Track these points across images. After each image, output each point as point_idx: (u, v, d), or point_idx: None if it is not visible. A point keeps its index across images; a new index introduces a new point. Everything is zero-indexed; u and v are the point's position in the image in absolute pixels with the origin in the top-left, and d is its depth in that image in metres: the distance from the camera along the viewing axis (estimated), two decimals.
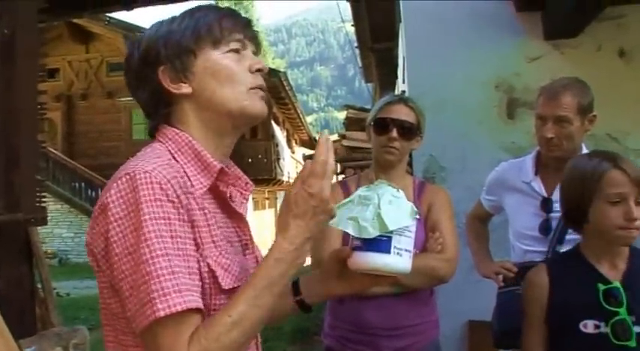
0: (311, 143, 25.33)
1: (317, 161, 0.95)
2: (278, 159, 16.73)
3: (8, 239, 3.17)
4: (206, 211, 1.00)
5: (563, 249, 1.95)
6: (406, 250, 1.02)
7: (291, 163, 20.21)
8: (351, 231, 1.01)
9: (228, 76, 1.04)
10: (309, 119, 34.89)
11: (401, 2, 3.81)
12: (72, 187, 15.02)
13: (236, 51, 1.07)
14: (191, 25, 1.05)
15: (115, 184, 0.94)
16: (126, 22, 15.06)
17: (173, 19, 1.08)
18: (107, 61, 17.23)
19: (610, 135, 3.12)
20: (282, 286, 0.96)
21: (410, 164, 3.30)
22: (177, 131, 1.05)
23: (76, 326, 3.37)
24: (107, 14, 13.01)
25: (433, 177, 3.28)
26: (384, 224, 0.99)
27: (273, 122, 16.72)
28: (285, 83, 16.38)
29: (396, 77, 7.27)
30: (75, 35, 16.57)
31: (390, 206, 1.00)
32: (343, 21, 11.78)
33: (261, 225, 17.31)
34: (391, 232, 0.99)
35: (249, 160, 14.55)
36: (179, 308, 0.87)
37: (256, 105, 1.06)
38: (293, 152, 21.81)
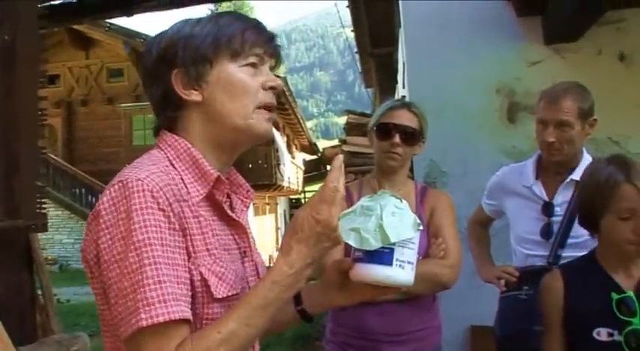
0: (311, 149, 25.35)
1: (327, 187, 0.94)
2: (278, 164, 16.72)
3: (8, 246, 3.16)
4: (201, 219, 1.00)
5: (565, 253, 1.95)
6: (409, 263, 1.00)
7: (291, 168, 20.20)
8: (352, 242, 0.99)
9: (240, 90, 1.03)
10: (309, 124, 34.94)
11: (401, 7, 3.82)
12: (72, 193, 15.02)
13: (253, 65, 1.05)
14: (213, 32, 1.03)
15: (107, 192, 0.94)
16: (126, 28, 15.07)
17: (198, 21, 1.06)
18: (107, 67, 17.27)
19: (611, 139, 3.12)
20: (277, 308, 0.94)
21: (411, 169, 3.30)
22: (177, 138, 1.05)
23: (76, 333, 3.36)
24: (107, 20, 13.07)
25: (434, 182, 3.28)
26: (386, 236, 0.97)
27: (273, 128, 16.72)
28: (285, 89, 16.40)
29: (396, 82, 7.28)
30: (75, 41, 16.59)
31: (393, 218, 0.99)
32: (343, 26, 11.80)
33: (262, 230, 17.29)
34: (393, 244, 0.98)
35: (250, 165, 14.55)
36: (161, 319, 0.86)
37: (262, 125, 1.05)
38: (293, 157, 21.80)
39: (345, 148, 4.95)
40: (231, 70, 1.03)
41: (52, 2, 4.15)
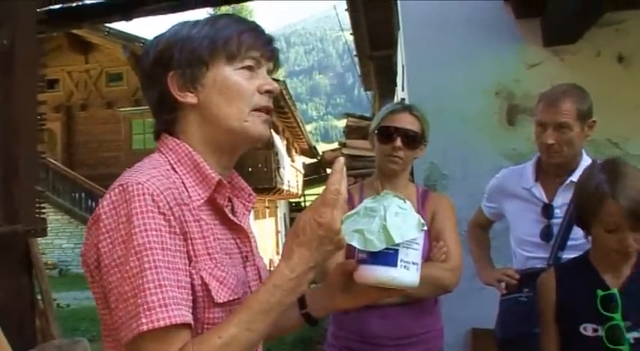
0: (311, 152, 25.35)
1: (329, 190, 0.93)
2: (278, 168, 16.72)
3: (7, 251, 3.16)
4: (202, 222, 0.99)
5: (565, 255, 1.95)
6: (413, 263, 0.99)
7: (291, 171, 20.19)
8: (356, 244, 0.98)
9: (236, 93, 1.03)
10: (308, 128, 34.95)
11: (399, 10, 3.82)
12: (72, 198, 15.01)
13: (249, 68, 1.04)
14: (210, 34, 1.03)
15: (108, 196, 0.94)
16: (125, 33, 15.07)
17: (196, 23, 1.06)
18: (107, 71, 17.27)
19: (610, 140, 3.11)
20: (278, 312, 0.94)
21: (410, 172, 3.30)
22: (178, 142, 1.04)
23: (76, 338, 3.36)
24: (106, 25, 13.07)
25: (434, 185, 3.27)
26: (390, 237, 0.96)
27: (272, 131, 16.74)
28: (284, 92, 16.41)
29: (396, 85, 7.28)
30: (74, 46, 16.61)
31: (397, 218, 0.98)
32: (342, 29, 11.82)
33: (262, 234, 17.28)
34: (398, 244, 0.97)
35: (250, 169, 14.55)
36: (162, 323, 0.85)
37: (257, 127, 1.05)
38: (293, 161, 21.80)
39: (345, 151, 4.95)
40: (227, 72, 1.03)
41: (51, 7, 4.16)
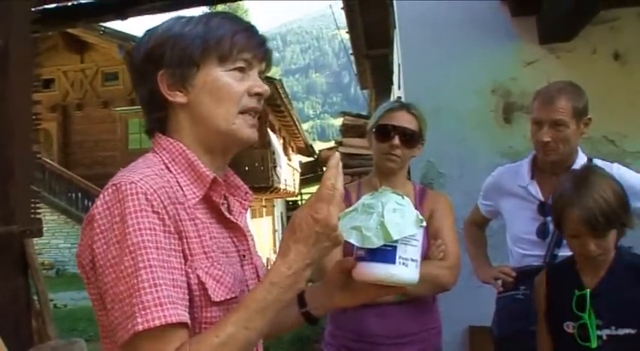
0: (307, 150, 25.35)
1: (325, 185, 0.92)
2: (275, 167, 16.70)
3: (3, 251, 3.15)
4: (197, 221, 0.99)
5: (561, 252, 1.95)
6: (412, 260, 0.98)
7: (287, 170, 20.18)
8: (354, 241, 0.97)
9: (226, 95, 1.02)
10: (305, 126, 34.97)
11: (395, 8, 3.82)
12: (68, 198, 14.99)
13: (241, 70, 1.04)
14: (202, 34, 1.02)
15: (101, 196, 0.94)
16: (121, 32, 15.04)
17: (189, 20, 1.05)
18: (102, 70, 17.23)
19: (606, 137, 3.12)
20: (276, 310, 0.93)
21: (408, 171, 3.30)
22: (172, 141, 1.04)
23: (73, 338, 3.35)
24: (102, 24, 13.03)
25: (431, 183, 3.27)
26: (388, 233, 0.95)
27: (269, 130, 16.73)
28: (280, 91, 16.40)
29: (392, 83, 7.28)
30: (70, 45, 16.57)
31: (394, 214, 0.97)
32: (338, 28, 11.82)
33: (259, 233, 17.27)
34: (396, 241, 0.96)
35: (246, 168, 14.53)
36: (157, 323, 0.85)
37: (244, 131, 1.04)
38: (290, 160, 21.79)
39: (342, 149, 4.94)
40: (218, 74, 1.02)
41: (46, 6, 4.14)
